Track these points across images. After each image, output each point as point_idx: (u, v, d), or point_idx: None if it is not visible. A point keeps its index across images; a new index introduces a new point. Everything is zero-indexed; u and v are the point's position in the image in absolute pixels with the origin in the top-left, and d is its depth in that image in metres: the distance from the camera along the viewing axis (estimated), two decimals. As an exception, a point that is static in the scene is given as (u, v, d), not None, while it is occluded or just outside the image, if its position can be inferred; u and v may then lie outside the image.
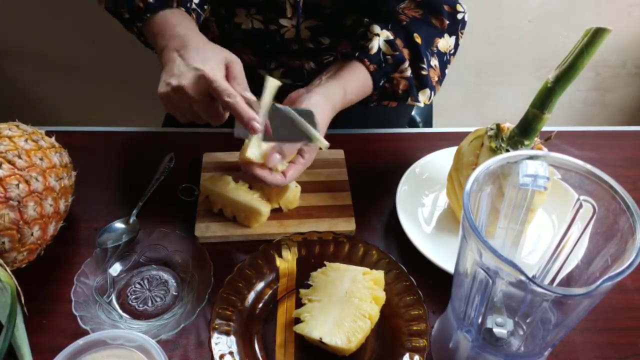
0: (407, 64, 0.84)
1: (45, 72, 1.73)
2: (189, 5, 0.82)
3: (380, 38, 0.84)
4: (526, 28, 1.64)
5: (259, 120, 0.67)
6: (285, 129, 0.69)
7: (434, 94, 0.89)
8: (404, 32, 0.86)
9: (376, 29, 0.85)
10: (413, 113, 1.23)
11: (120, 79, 1.71)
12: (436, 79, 0.88)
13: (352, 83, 0.82)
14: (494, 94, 1.83)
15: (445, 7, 0.87)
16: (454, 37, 0.89)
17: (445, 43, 0.88)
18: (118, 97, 1.75)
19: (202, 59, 0.69)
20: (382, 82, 0.85)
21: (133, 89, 1.71)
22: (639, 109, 1.88)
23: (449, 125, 1.03)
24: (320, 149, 0.72)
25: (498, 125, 0.73)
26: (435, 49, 0.87)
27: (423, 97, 0.88)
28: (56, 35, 1.63)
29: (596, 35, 0.61)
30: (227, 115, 0.71)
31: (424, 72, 0.85)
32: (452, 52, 0.90)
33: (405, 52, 0.84)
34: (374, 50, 0.83)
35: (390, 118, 1.09)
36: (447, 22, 0.87)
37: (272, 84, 0.71)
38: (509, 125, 0.73)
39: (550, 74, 0.66)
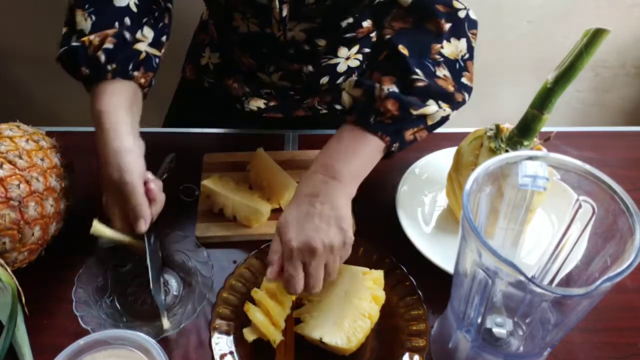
0: (378, 85, 0.72)
1: (46, 72, 1.73)
2: (130, 67, 0.77)
3: (345, 90, 0.82)
4: (525, 29, 1.65)
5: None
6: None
7: (457, 103, 0.76)
8: (388, 47, 0.75)
9: (342, 85, 0.84)
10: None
11: (120, 79, 1.71)
12: (452, 88, 0.75)
13: (331, 148, 0.73)
14: (494, 94, 1.83)
15: (439, 7, 0.75)
16: (463, 40, 0.77)
17: (453, 49, 0.76)
18: (118, 97, 1.76)
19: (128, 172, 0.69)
20: (372, 118, 0.72)
21: (133, 89, 1.70)
22: (638, 110, 1.89)
23: (449, 126, 1.02)
24: None
25: (497, 126, 0.73)
26: (438, 57, 0.75)
27: (434, 109, 0.74)
28: (56, 36, 1.62)
29: (595, 35, 0.61)
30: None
31: (420, 84, 0.72)
32: (466, 56, 0.77)
33: (381, 76, 0.74)
34: (347, 103, 0.81)
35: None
36: (447, 24, 0.75)
37: None
38: (509, 125, 0.73)
39: (549, 74, 0.66)
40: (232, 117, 1.05)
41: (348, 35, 0.95)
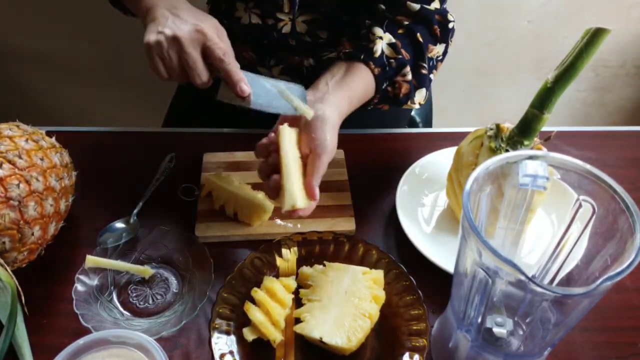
0: (408, 67, 0.85)
1: (46, 72, 1.73)
2: None
3: (383, 41, 0.85)
4: (526, 28, 1.65)
5: (247, 82, 0.69)
6: (270, 98, 0.72)
7: (428, 94, 0.92)
8: (407, 31, 0.87)
9: (379, 31, 0.85)
10: (413, 113, 1.23)
11: (120, 79, 1.71)
12: (428, 82, 0.91)
13: (357, 92, 0.82)
14: (494, 94, 1.83)
15: (437, 17, 0.88)
16: (443, 45, 0.91)
17: (435, 51, 0.90)
18: (118, 97, 1.76)
19: (197, 18, 0.71)
20: (385, 85, 0.85)
21: (133, 89, 1.70)
22: (638, 109, 1.89)
23: (449, 126, 1.03)
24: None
25: (498, 126, 0.73)
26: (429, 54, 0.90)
27: (419, 98, 0.90)
28: (56, 35, 1.63)
29: (596, 35, 0.61)
30: (210, 79, 0.72)
31: (423, 71, 0.87)
32: (439, 57, 0.91)
33: (406, 54, 0.85)
34: (378, 53, 0.83)
35: (390, 118, 1.09)
36: (439, 30, 0.89)
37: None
38: (509, 125, 0.73)
39: (549, 74, 0.66)
40: (232, 116, 1.05)
41: (349, 29, 0.95)
